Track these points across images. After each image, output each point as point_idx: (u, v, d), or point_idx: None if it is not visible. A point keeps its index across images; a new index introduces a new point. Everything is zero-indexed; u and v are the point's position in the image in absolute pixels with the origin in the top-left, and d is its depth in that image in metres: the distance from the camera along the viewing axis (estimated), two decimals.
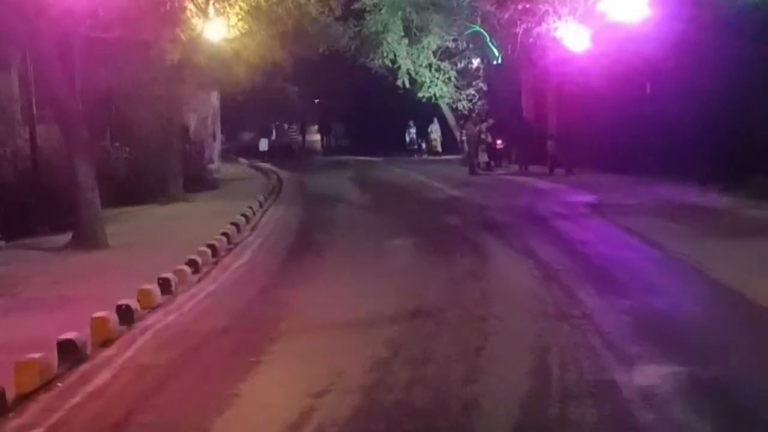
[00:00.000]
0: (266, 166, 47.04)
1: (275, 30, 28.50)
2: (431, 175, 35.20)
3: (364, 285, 13.08)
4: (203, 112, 40.01)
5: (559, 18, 34.83)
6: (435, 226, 19.51)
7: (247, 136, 67.46)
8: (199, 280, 14.34)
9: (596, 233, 17.50)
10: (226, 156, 53.32)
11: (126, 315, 11.38)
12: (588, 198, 23.68)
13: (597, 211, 20.87)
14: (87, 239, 18.23)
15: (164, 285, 13.20)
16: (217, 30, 27.26)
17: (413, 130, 54.55)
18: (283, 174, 40.10)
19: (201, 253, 15.90)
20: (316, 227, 20.68)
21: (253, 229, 20.85)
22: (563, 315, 10.51)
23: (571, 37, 34.32)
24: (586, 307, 10.90)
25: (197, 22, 26.66)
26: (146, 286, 12.55)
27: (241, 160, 53.85)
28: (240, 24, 27.68)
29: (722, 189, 23.66)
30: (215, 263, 15.97)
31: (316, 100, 70.90)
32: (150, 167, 27.79)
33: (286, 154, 57.30)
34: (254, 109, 59.96)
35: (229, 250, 17.56)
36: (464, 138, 39.54)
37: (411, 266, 14.61)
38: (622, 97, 30.52)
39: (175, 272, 13.98)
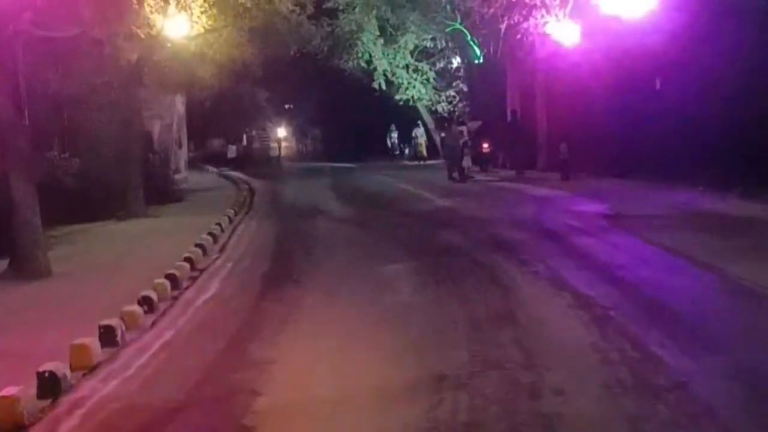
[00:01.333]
0: (236, 174, 43.96)
1: (242, 24, 25.55)
2: (416, 182, 32.24)
3: (360, 334, 10.04)
4: (167, 118, 36.98)
5: (549, 12, 32.06)
6: (434, 246, 16.43)
7: (216, 143, 64.36)
8: (154, 324, 11.32)
9: (630, 253, 14.51)
10: (194, 164, 50.52)
11: (49, 385, 8.41)
12: (599, 207, 20.79)
13: (617, 224, 17.95)
14: (25, 266, 15.39)
15: (106, 335, 10.20)
16: (179, 26, 24.31)
17: (395, 134, 51.34)
18: (255, 183, 37.08)
19: (157, 287, 12.90)
20: (295, 248, 17.60)
21: (221, 250, 17.83)
22: (647, 385, 7.42)
23: (563, 33, 31.60)
24: (671, 369, 7.85)
25: (157, 18, 23.71)
26: (82, 341, 9.53)
27: (210, 168, 50.80)
28: (204, 19, 24.70)
29: (741, 194, 20.99)
30: (175, 298, 12.96)
31: (287, 106, 68.07)
32: (106, 179, 24.69)
33: (258, 161, 53.99)
34: (223, 115, 57.11)
35: (193, 279, 14.54)
36: (448, 143, 36.59)
37: (417, 304, 11.48)
38: (624, 94, 27.62)
39: (123, 316, 10.98)
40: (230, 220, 22.70)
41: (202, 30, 24.87)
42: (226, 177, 43.42)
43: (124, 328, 10.59)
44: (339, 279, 13.67)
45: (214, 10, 24.39)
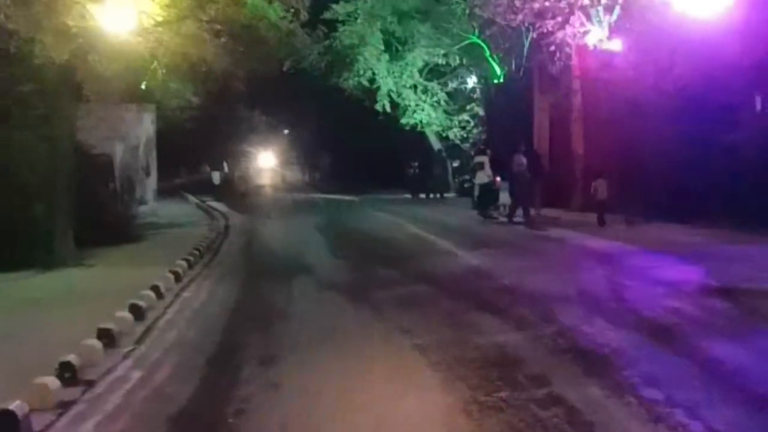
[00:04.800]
0: (218, 206, 37.41)
1: (208, 16, 19.05)
2: (427, 224, 25.54)
3: None
4: (132, 139, 30.53)
5: (589, 19, 25.66)
6: (475, 354, 9.41)
7: (209, 169, 58.47)
8: None
9: None
10: (177, 193, 44.40)
11: None
12: (694, 273, 14.17)
13: (749, 308, 11.33)
14: None
15: None
16: (121, 17, 17.78)
17: (416, 164, 43.85)
18: (234, 219, 30.63)
19: None
20: (249, 346, 10.71)
21: (141, 338, 11.29)
22: None
23: (608, 43, 25.26)
24: None
25: (91, 6, 17.34)
26: None
27: (191, 198, 44.32)
28: (157, 7, 18.28)
29: None
30: None
31: (286, 131, 62.21)
32: (26, 216, 18.21)
33: (239, 191, 47.24)
34: (213, 139, 51.36)
35: (61, 412, 8.07)
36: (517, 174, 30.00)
37: None
38: (699, 118, 21.04)
39: None
40: (178, 278, 16.17)
41: (152, 22, 18.40)
42: (205, 209, 36.80)
43: None
44: None
45: None
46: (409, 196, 41.49)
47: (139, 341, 11.11)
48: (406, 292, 14.04)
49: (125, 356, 10.28)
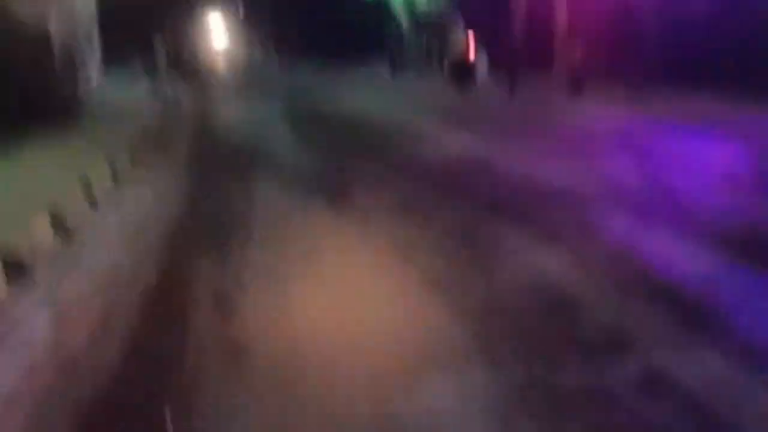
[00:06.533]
0: (169, 87, 34.14)
1: None
2: (403, 102, 22.68)
3: None
4: (70, 8, 26.74)
5: None
6: (514, 300, 6.47)
7: (160, 48, 54.48)
8: None
9: None
10: (123, 72, 40.89)
11: None
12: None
13: None
14: None
15: None
16: None
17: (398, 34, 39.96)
18: (188, 100, 27.48)
19: None
20: (203, 278, 7.62)
21: (58, 262, 8.44)
22: None
23: None
24: None
25: None
26: None
27: (142, 78, 40.90)
28: None
29: None
30: None
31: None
32: None
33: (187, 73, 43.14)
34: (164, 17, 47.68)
35: None
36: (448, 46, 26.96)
37: None
38: None
39: None
40: (114, 177, 13.16)
41: None
42: (155, 90, 33.47)
43: None
44: None
45: None
46: (388, 74, 37.88)
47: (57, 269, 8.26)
48: (396, 191, 11.11)
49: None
